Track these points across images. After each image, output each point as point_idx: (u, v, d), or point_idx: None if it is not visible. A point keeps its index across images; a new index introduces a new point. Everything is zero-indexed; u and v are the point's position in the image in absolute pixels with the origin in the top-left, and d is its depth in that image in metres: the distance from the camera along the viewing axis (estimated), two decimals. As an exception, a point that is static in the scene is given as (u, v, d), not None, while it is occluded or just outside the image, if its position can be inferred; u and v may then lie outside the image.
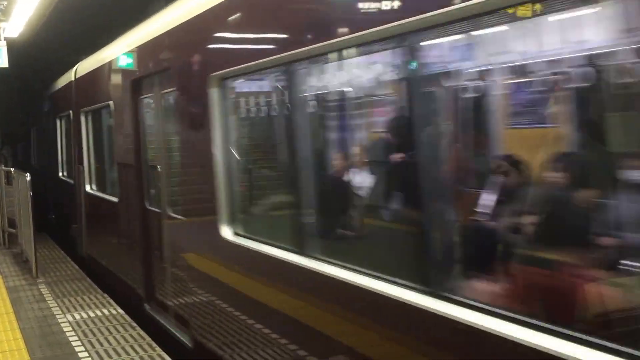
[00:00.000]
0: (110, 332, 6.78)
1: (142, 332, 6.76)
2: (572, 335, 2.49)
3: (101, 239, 9.93)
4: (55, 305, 7.94)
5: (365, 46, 3.66)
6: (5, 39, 11.83)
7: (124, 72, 7.83)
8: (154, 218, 7.08)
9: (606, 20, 2.53)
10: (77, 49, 13.75)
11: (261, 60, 4.51)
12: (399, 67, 3.53)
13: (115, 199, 8.69)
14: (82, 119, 10.80)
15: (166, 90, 6.51)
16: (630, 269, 2.87)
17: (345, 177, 4.64)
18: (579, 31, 2.86)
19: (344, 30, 3.60)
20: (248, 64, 4.68)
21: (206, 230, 5.51)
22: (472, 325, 2.86)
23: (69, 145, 12.20)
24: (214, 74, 5.10)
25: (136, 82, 7.45)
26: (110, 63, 8.63)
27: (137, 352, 6.13)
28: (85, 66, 10.70)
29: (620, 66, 2.60)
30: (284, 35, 4.42)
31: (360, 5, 3.49)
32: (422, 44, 3.16)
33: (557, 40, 3.08)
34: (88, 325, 7.03)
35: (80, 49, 13.47)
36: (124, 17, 10.21)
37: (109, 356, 6.05)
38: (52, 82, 14.40)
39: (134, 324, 7.06)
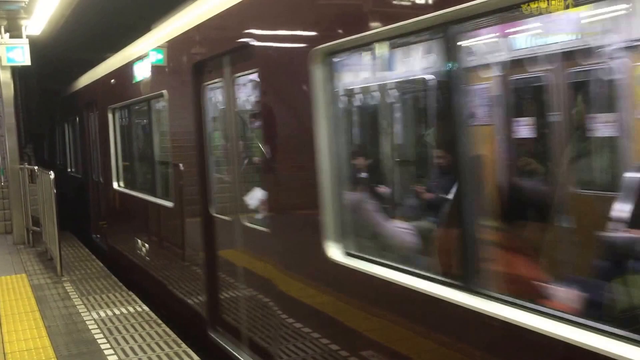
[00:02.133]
0: (136, 330, 6.76)
1: (168, 329, 6.73)
2: None
3: None
4: (81, 303, 7.95)
5: None
6: (27, 36, 11.95)
7: None
8: None
9: None
10: (98, 47, 13.78)
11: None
12: None
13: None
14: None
15: None
16: None
17: None
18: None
19: None
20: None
21: None
22: None
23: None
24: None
25: None
26: None
27: (162, 349, 6.10)
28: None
29: None
30: None
31: None
32: None
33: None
34: (113, 323, 7.02)
35: (101, 47, 13.50)
36: (144, 15, 10.18)
37: (135, 353, 6.02)
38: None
39: (159, 321, 7.05)
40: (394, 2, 3.35)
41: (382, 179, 5.01)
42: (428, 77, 4.33)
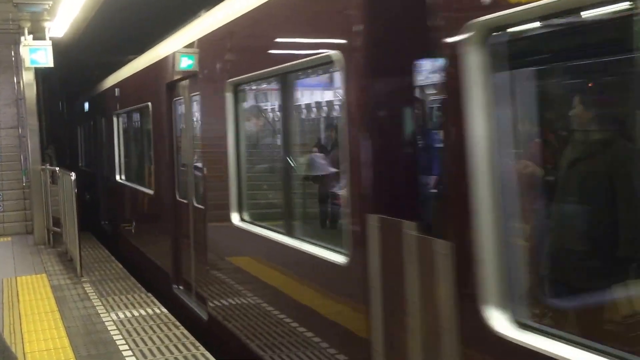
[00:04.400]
0: (154, 331, 6.81)
1: (186, 331, 6.76)
2: None
3: None
4: (100, 304, 8.03)
5: None
6: (50, 38, 12.04)
7: None
8: None
9: None
10: (120, 50, 13.94)
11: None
12: None
13: None
14: None
15: None
16: None
17: None
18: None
19: None
20: None
21: None
22: None
23: None
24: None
25: None
26: None
27: (180, 352, 6.14)
28: None
29: None
30: None
31: None
32: None
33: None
34: (132, 324, 7.08)
35: (123, 50, 13.64)
36: (166, 18, 10.29)
37: (153, 355, 6.06)
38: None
39: (178, 323, 7.08)
40: None
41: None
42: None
